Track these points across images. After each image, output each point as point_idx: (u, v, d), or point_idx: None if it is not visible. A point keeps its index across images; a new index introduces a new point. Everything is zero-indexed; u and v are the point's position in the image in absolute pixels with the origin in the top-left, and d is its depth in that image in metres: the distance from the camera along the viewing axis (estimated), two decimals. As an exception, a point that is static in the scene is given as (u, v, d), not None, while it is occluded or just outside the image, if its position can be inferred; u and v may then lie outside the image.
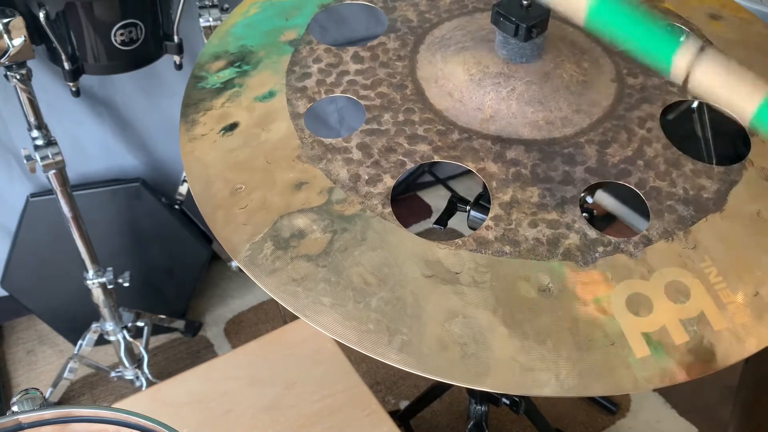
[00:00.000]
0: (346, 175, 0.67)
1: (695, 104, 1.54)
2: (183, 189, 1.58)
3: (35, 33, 1.07)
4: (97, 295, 1.35)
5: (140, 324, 1.46)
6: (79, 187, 1.45)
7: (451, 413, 1.51)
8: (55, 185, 1.21)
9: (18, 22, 1.02)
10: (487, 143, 0.70)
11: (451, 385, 1.40)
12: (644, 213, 0.67)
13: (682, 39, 0.47)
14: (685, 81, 0.47)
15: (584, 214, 0.65)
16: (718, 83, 0.46)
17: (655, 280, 0.61)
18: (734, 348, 0.59)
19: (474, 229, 0.65)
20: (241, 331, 1.70)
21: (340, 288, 0.60)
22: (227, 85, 0.77)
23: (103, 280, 1.33)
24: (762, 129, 0.46)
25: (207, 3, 1.26)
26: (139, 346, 1.45)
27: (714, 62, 0.46)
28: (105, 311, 1.38)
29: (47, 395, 1.48)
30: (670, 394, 1.53)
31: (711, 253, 0.63)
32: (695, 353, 0.58)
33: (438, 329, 0.58)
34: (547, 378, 0.57)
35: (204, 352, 1.65)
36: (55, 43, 1.07)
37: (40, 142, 1.17)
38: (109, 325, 1.41)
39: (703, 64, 0.46)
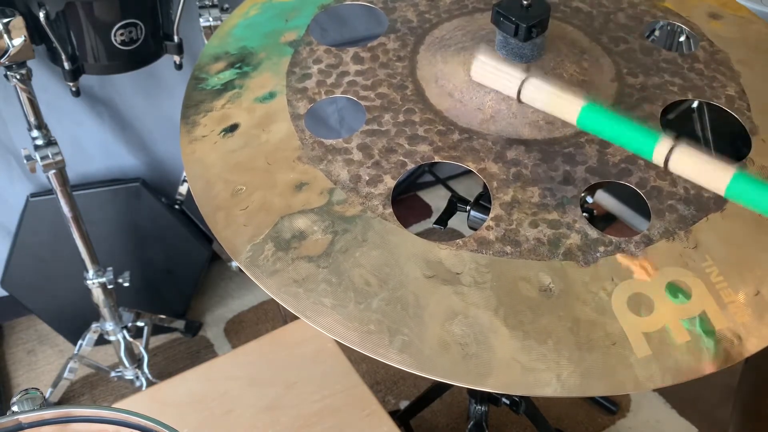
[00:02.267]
0: (347, 176, 0.67)
1: (695, 104, 1.54)
2: (183, 189, 1.58)
3: (35, 33, 1.07)
4: (97, 295, 1.35)
5: (140, 324, 1.46)
6: (79, 187, 1.45)
7: (451, 413, 1.51)
8: (55, 185, 1.21)
9: (18, 22, 1.02)
10: (487, 143, 0.69)
11: (451, 385, 1.40)
12: (645, 213, 0.67)
13: (659, 135, 0.56)
14: (666, 165, 0.56)
15: (585, 214, 0.65)
16: (690, 168, 0.56)
17: (656, 280, 0.61)
18: (735, 348, 0.59)
19: (474, 229, 0.65)
20: (241, 331, 1.70)
21: (341, 289, 0.60)
22: (227, 86, 0.77)
23: (103, 280, 1.33)
24: (735, 201, 0.55)
25: (207, 3, 1.26)
26: (139, 346, 1.45)
27: (685, 152, 0.56)
28: (105, 311, 1.38)
29: (47, 395, 1.48)
30: (670, 394, 1.53)
31: (712, 253, 0.63)
32: (696, 353, 0.58)
33: (439, 330, 0.58)
34: (548, 378, 0.57)
35: (204, 352, 1.65)
36: (55, 43, 1.07)
37: (40, 142, 1.17)
38: (109, 325, 1.41)
39: (677, 154, 0.56)
